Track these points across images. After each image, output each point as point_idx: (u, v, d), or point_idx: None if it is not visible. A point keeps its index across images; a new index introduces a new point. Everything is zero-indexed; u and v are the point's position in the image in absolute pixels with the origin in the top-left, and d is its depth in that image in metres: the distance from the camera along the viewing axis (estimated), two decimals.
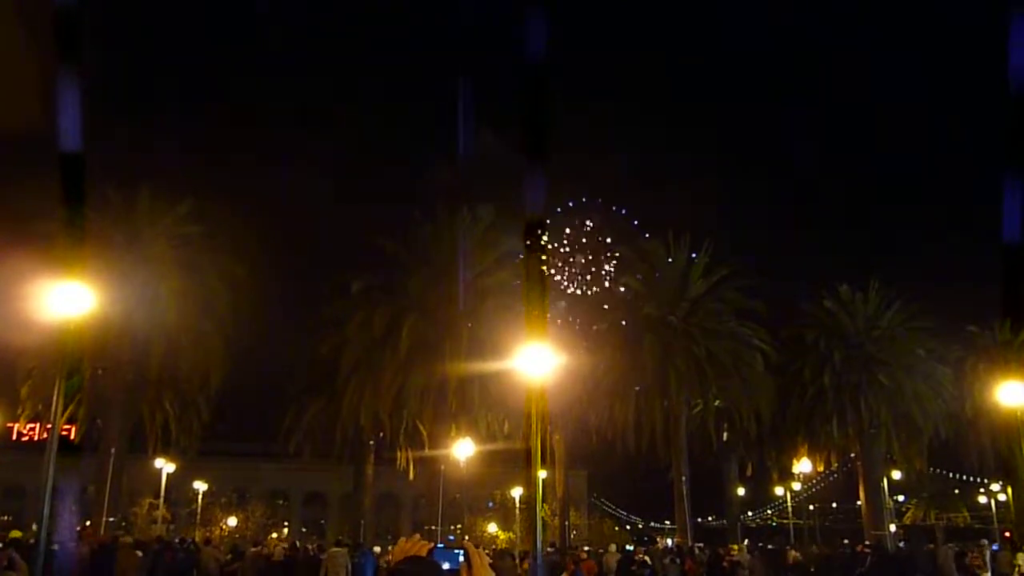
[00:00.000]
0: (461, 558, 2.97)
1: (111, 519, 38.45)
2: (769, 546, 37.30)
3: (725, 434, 48.13)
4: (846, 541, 52.51)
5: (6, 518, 51.67)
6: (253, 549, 30.54)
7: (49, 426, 15.69)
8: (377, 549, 32.36)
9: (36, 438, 47.08)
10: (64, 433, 38.07)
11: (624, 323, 43.08)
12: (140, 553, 25.48)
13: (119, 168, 41.58)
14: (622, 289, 43.77)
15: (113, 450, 38.96)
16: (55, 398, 15.58)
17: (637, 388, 41.61)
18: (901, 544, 42.45)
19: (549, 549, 32.87)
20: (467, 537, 46.93)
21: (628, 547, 34.64)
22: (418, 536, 3.25)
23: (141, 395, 40.39)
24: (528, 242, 37.77)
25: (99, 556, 23.85)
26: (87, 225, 32.61)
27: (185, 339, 38.55)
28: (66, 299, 16.00)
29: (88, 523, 37.35)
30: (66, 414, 38.26)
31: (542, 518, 32.17)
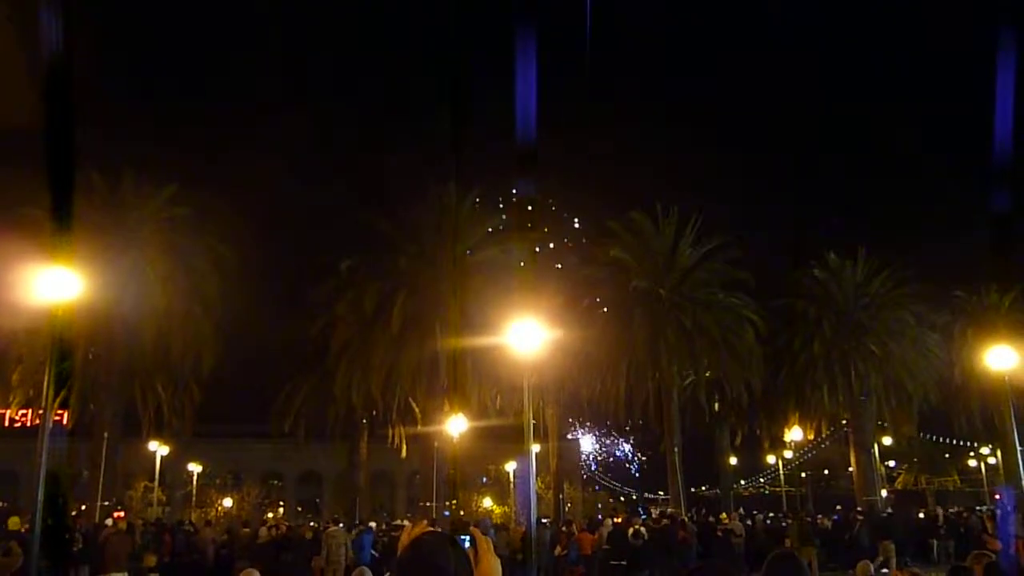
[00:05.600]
0: (467, 544, 2.93)
1: (106, 503, 38.55)
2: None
3: (716, 404, 48.40)
4: (839, 507, 52.97)
5: (1, 504, 51.62)
6: (244, 530, 30.67)
7: (41, 412, 15.63)
8: (372, 524, 32.57)
9: (28, 424, 46.97)
10: (56, 418, 38.07)
11: (613, 296, 43.08)
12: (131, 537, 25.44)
13: (102, 154, 41.27)
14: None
15: (106, 434, 39.04)
16: (46, 384, 15.51)
17: (628, 361, 41.69)
18: (889, 510, 42.64)
19: (544, 521, 33.00)
20: (463, 512, 47.25)
21: (616, 520, 34.44)
22: (425, 522, 3.29)
23: (133, 379, 40.42)
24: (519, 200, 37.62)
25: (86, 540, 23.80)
26: (73, 210, 32.43)
27: (175, 322, 38.55)
28: (54, 284, 15.89)
29: (83, 508, 37.40)
30: (58, 399, 38.14)
31: (536, 492, 32.37)
